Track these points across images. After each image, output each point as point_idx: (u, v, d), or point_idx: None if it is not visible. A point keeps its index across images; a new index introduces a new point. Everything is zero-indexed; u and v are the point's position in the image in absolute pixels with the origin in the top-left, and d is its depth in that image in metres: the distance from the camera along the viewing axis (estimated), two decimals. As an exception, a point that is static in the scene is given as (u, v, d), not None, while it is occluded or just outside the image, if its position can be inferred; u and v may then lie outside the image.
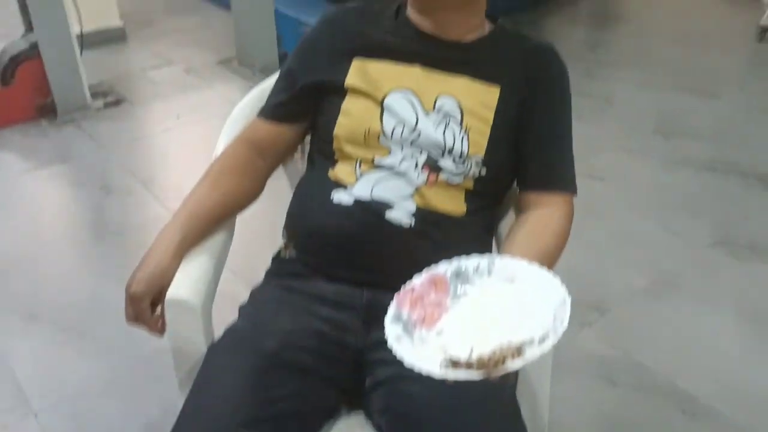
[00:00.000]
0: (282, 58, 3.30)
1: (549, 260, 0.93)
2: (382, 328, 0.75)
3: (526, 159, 1.03)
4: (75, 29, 2.82)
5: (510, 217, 1.08)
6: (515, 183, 1.08)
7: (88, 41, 3.40)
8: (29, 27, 2.68)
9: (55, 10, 2.62)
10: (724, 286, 1.95)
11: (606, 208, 2.31)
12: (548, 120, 1.04)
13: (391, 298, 0.79)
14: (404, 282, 0.81)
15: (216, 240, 1.03)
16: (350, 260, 0.96)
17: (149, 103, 3.01)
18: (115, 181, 2.44)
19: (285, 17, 3.37)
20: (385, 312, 0.77)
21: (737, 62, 3.63)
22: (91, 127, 2.79)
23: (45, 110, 2.81)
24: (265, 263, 1.08)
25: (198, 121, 2.88)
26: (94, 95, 2.98)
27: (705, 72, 3.43)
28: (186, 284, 0.93)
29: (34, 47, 2.68)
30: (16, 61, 2.69)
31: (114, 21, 3.54)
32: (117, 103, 2.98)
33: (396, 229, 0.95)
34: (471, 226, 1.02)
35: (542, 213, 1.01)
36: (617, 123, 2.92)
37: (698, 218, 2.27)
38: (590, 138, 2.78)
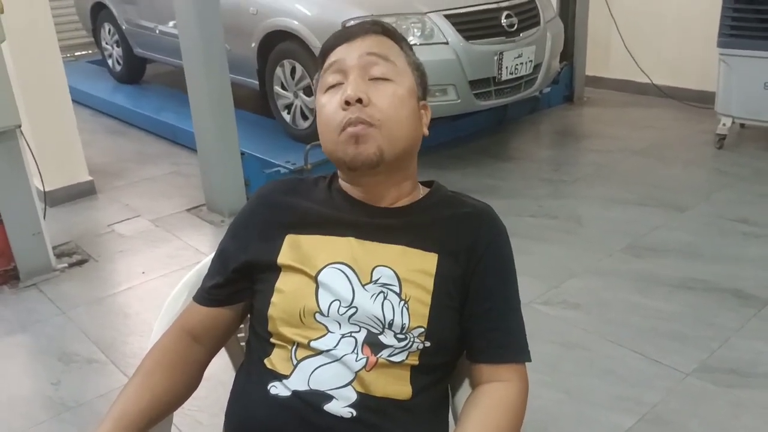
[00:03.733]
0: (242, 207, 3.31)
1: None
2: None
3: (473, 332, 0.99)
4: (41, 187, 2.83)
5: (466, 388, 1.02)
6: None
7: (57, 198, 3.43)
8: (-9, 196, 2.68)
9: (17, 176, 2.63)
10: (713, 418, 1.85)
11: (582, 339, 2.25)
12: (493, 289, 1.00)
13: None
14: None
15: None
16: None
17: (115, 261, 2.97)
18: (75, 349, 2.35)
19: (252, 159, 3.42)
20: None
21: (700, 172, 3.70)
22: (53, 290, 2.73)
23: (7, 276, 2.76)
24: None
25: (165, 275, 2.83)
26: (59, 256, 2.94)
27: (670, 184, 3.49)
28: None
29: (-5, 215, 2.67)
30: (-24, 229, 2.67)
31: (83, 176, 3.58)
32: (81, 263, 2.94)
33: (337, 421, 0.90)
34: (420, 408, 0.96)
35: (495, 389, 0.96)
36: (587, 243, 2.91)
37: (677, 342, 2.21)
38: (561, 261, 2.76)
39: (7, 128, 2.51)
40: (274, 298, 0.97)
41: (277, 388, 0.94)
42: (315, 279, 0.96)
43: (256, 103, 4.62)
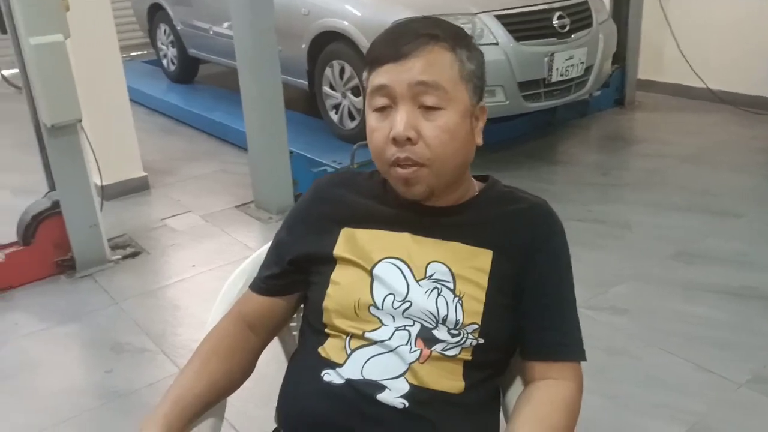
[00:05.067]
0: (297, 199, 3.36)
1: None
2: None
3: (528, 328, 0.98)
4: (98, 182, 2.94)
5: (517, 386, 1.02)
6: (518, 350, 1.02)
7: (112, 192, 3.54)
8: (52, 186, 2.79)
9: (78, 170, 2.73)
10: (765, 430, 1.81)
11: (629, 345, 2.21)
12: (549, 286, 0.99)
13: None
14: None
15: (204, 427, 0.99)
16: None
17: (167, 254, 3.06)
18: (127, 339, 2.43)
19: (299, 158, 3.48)
20: None
21: (752, 178, 3.60)
22: (107, 281, 2.82)
23: (64, 266, 2.86)
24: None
25: (214, 269, 2.90)
26: (114, 248, 3.04)
27: (721, 190, 3.40)
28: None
29: (56, 205, 2.78)
30: (37, 219, 2.78)
31: (137, 172, 3.69)
32: (134, 255, 3.04)
33: (388, 411, 0.91)
34: (471, 403, 0.96)
35: (549, 386, 0.95)
36: (635, 249, 2.86)
37: (728, 351, 2.16)
38: (609, 267, 2.72)
39: (69, 122, 2.61)
40: (329, 290, 0.99)
41: (330, 376, 0.96)
42: (370, 272, 0.98)
43: (304, 103, 4.69)
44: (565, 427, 0.91)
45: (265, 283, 1.08)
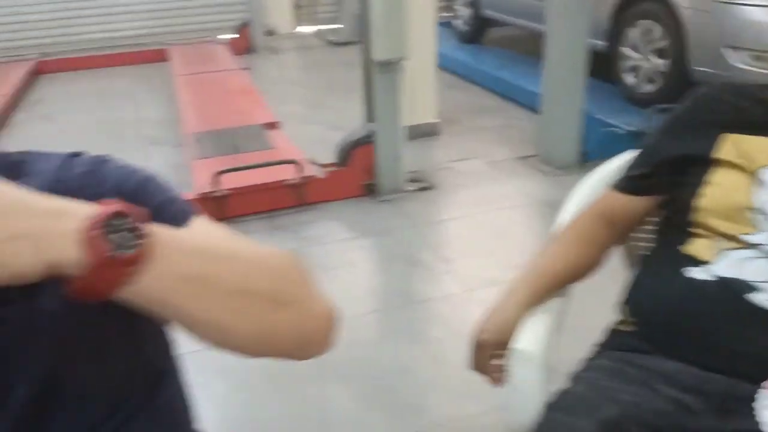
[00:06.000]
0: (582, 157, 3.38)
1: None
2: (742, 418, 0.74)
3: None
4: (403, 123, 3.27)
5: None
6: None
7: (410, 133, 3.89)
8: (370, 118, 3.18)
9: (393, 106, 3.08)
10: None
11: None
12: None
13: (753, 388, 0.77)
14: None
15: (557, 302, 1.10)
16: (704, 342, 0.95)
17: (454, 191, 3.31)
18: (421, 256, 2.71)
19: (592, 119, 3.48)
20: (744, 402, 0.76)
21: None
22: (404, 207, 3.15)
23: (369, 189, 3.25)
24: (591, 334, 1.13)
25: (496, 210, 3.07)
26: (410, 180, 3.37)
27: None
28: (530, 338, 1.02)
29: (370, 135, 3.16)
30: (354, 145, 3.19)
31: (431, 118, 4.00)
32: (426, 189, 3.33)
33: (758, 312, 0.91)
34: None
35: None
36: None
37: None
38: None
39: (395, 59, 2.93)
40: (707, 190, 1.01)
41: (695, 272, 0.97)
42: (754, 176, 0.98)
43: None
44: None
45: (633, 182, 1.13)
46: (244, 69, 5.44)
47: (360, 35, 3.08)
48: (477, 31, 5.72)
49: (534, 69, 4.75)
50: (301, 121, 4.37)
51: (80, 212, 0.51)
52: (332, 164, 3.28)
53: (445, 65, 5.47)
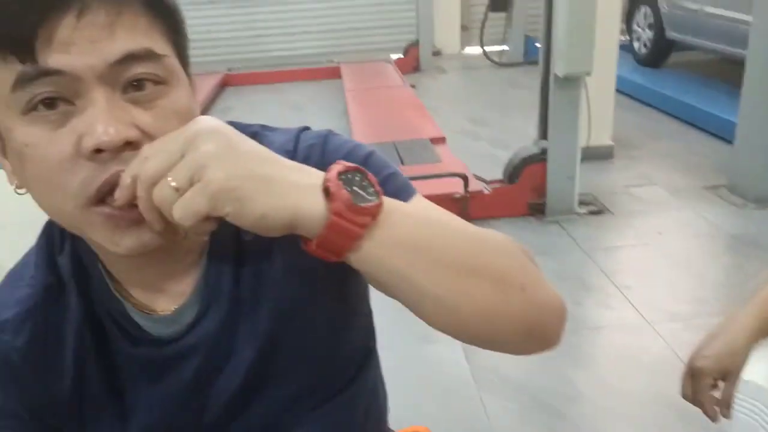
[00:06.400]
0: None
1: None
2: None
3: None
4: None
5: None
6: None
7: (583, 155, 3.71)
8: (543, 135, 3.06)
9: (570, 124, 2.94)
10: None
11: None
12: None
13: None
14: None
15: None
16: None
17: (630, 217, 3.09)
18: (593, 282, 2.54)
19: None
20: None
21: None
22: (573, 229, 2.99)
23: (536, 209, 3.13)
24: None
25: (678, 240, 2.82)
26: (580, 203, 3.19)
27: None
28: (764, 370, 0.88)
29: (542, 153, 3.04)
30: (524, 162, 3.09)
31: (605, 140, 3.79)
32: (597, 212, 3.14)
33: None
34: None
35: None
36: None
37: None
38: None
39: (579, 74, 2.81)
40: None
41: None
42: None
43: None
44: None
45: None
46: (411, 86, 5.53)
47: (542, 48, 2.98)
48: (659, 53, 5.39)
49: (722, 94, 4.38)
50: (465, 138, 4.35)
51: (318, 171, 0.52)
52: (499, 181, 3.20)
53: (622, 87, 5.21)
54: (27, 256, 0.65)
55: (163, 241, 0.54)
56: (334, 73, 6.30)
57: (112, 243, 0.54)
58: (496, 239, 0.58)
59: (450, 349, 2.15)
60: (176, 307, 0.62)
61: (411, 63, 6.62)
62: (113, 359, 0.63)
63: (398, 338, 2.13)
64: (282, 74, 6.51)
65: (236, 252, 0.61)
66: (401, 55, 6.72)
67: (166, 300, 0.62)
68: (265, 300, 0.62)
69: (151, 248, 0.54)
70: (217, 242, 0.60)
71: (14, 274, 0.65)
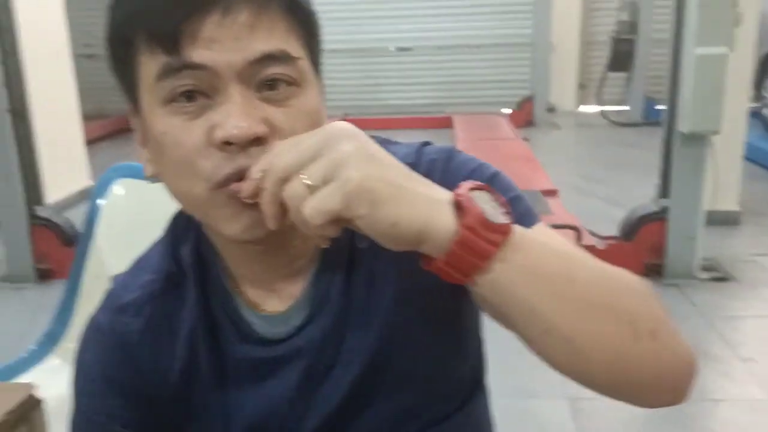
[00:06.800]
0: None
1: None
2: None
3: None
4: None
5: None
6: None
7: (706, 218, 3.50)
8: (663, 194, 2.93)
9: (694, 183, 2.80)
10: None
11: None
12: None
13: None
14: None
15: None
16: None
17: (756, 287, 2.87)
18: (713, 351, 2.36)
19: None
20: None
21: None
22: (693, 294, 2.81)
23: (653, 270, 2.97)
24: None
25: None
26: (702, 268, 3.01)
27: None
28: None
29: (662, 211, 2.90)
30: (643, 220, 2.96)
31: (732, 205, 3.58)
32: (721, 279, 2.94)
33: None
34: None
35: None
36: None
37: None
38: None
39: (705, 132, 2.68)
40: None
41: None
42: None
43: None
44: None
45: None
46: (524, 139, 5.50)
47: (668, 102, 2.88)
48: (791, 121, 5.07)
49: None
50: (578, 193, 4.24)
51: (443, 188, 0.51)
52: (614, 237, 3.08)
53: (751, 155, 4.93)
54: (153, 245, 0.69)
55: (267, 233, 0.54)
56: (446, 123, 6.38)
57: (227, 223, 0.55)
58: (627, 278, 0.55)
59: (553, 404, 2.05)
60: (286, 307, 0.62)
61: (524, 117, 6.60)
62: (222, 352, 0.63)
63: (494, 389, 2.07)
64: (395, 121, 6.67)
65: (349, 260, 0.61)
66: (515, 110, 6.71)
67: (276, 300, 0.63)
68: (375, 315, 0.61)
69: (257, 237, 0.55)
70: (330, 248, 0.60)
71: (140, 261, 0.68)
